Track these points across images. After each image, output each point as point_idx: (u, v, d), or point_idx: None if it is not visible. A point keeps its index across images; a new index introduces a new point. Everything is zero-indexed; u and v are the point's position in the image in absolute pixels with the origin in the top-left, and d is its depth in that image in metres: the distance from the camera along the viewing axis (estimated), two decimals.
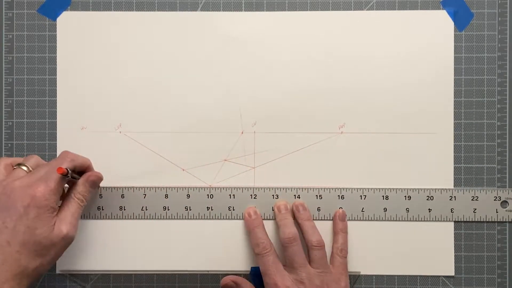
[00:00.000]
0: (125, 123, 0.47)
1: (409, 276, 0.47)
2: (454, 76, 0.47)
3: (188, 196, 0.47)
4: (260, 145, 0.47)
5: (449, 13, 0.47)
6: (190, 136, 0.47)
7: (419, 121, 0.47)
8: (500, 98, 0.47)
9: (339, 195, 0.47)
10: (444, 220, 0.46)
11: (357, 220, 0.46)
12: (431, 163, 0.47)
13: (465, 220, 0.47)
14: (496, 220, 0.47)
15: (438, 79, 0.47)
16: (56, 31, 0.47)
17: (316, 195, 0.47)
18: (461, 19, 0.47)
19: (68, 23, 0.47)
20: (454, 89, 0.47)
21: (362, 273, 0.47)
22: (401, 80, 0.47)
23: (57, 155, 0.44)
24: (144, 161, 0.47)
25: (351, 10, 0.47)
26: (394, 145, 0.47)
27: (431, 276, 0.47)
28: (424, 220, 0.46)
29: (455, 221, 0.47)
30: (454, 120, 0.47)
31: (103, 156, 0.47)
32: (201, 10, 0.47)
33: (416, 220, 0.46)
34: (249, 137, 0.47)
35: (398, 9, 0.47)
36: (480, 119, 0.47)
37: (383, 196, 0.47)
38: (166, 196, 0.47)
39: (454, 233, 0.47)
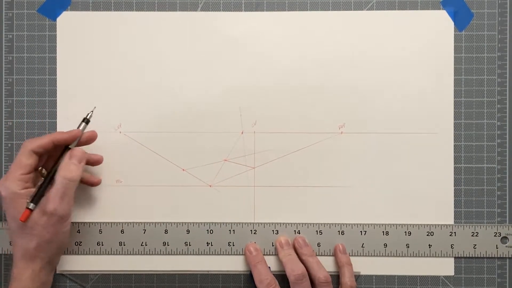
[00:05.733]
0: (125, 123, 0.47)
1: (409, 276, 0.47)
2: (454, 76, 0.47)
3: (188, 231, 0.47)
4: (260, 145, 0.47)
5: (449, 13, 0.47)
6: (190, 136, 0.47)
7: (419, 121, 0.47)
8: (500, 98, 0.47)
9: (339, 231, 0.47)
10: (444, 256, 0.46)
11: (357, 255, 0.46)
12: (431, 163, 0.47)
13: (465, 256, 0.47)
14: (496, 256, 0.46)
15: (438, 79, 0.47)
16: (56, 31, 0.47)
17: (316, 231, 0.47)
18: (461, 19, 0.47)
19: (68, 23, 0.47)
20: (454, 89, 0.47)
21: (362, 273, 0.47)
22: (401, 80, 0.47)
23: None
24: (144, 161, 0.47)
25: (351, 10, 0.47)
26: (394, 145, 0.47)
27: (431, 276, 0.47)
28: (424, 256, 0.46)
29: (455, 257, 0.47)
30: (454, 120, 0.47)
31: (103, 156, 0.47)
32: (201, 10, 0.47)
33: (416, 256, 0.46)
34: (249, 137, 0.47)
35: (398, 9, 0.47)
36: (480, 119, 0.47)
37: (383, 231, 0.46)
38: (166, 231, 0.47)
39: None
